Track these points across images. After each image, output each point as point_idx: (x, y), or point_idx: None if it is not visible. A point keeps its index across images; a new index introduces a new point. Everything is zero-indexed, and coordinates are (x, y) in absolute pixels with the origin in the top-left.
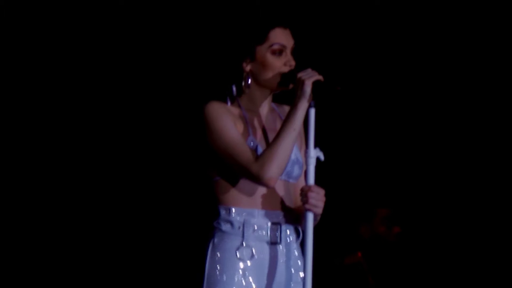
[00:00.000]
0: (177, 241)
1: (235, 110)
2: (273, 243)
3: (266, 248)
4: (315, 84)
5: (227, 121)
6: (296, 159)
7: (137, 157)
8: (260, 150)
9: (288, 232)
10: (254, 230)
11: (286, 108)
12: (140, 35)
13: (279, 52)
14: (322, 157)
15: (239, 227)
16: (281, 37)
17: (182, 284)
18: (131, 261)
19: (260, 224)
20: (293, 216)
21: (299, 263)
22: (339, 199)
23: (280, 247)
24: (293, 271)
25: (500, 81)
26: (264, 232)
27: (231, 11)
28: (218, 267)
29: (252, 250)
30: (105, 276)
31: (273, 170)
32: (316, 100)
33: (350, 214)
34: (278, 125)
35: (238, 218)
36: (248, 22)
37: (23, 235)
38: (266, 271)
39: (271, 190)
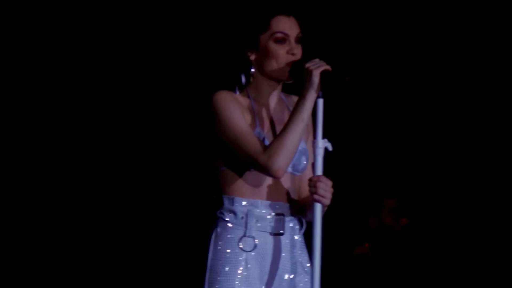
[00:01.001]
0: (180, 232)
1: (243, 100)
2: (276, 234)
3: (269, 239)
4: (323, 74)
5: (235, 111)
6: (303, 150)
7: (141, 148)
8: (267, 142)
9: (292, 224)
10: (257, 220)
11: (295, 99)
12: (145, 26)
13: (281, 40)
14: (330, 148)
15: (242, 217)
16: (283, 25)
17: (185, 275)
18: (135, 253)
19: (263, 214)
20: (297, 208)
21: (303, 254)
22: (347, 190)
23: (284, 238)
24: (296, 262)
25: (502, 73)
26: (267, 223)
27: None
28: (221, 258)
29: (254, 241)
30: (106, 268)
31: (281, 161)
32: (324, 90)
33: (358, 205)
34: (286, 117)
35: (241, 208)
36: (250, 11)
37: (23, 235)
38: (269, 262)
39: (276, 181)
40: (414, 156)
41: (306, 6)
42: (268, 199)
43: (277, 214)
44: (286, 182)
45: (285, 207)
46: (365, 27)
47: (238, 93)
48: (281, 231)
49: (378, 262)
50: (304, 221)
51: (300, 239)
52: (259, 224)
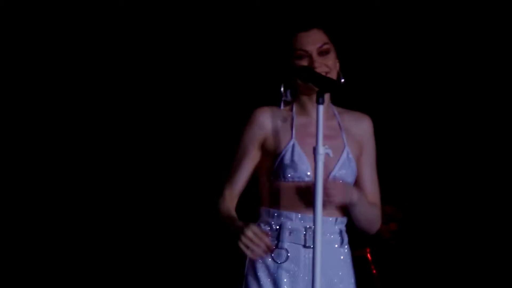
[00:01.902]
0: (181, 233)
1: (286, 114)
2: (307, 246)
3: (301, 252)
4: (321, 79)
5: (249, 133)
6: (347, 161)
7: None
8: (300, 151)
9: (331, 237)
10: (290, 233)
11: (349, 114)
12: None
13: (301, 57)
14: (331, 154)
15: (276, 229)
16: (302, 41)
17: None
18: (135, 254)
19: (296, 227)
20: (333, 221)
21: (339, 270)
22: None
23: (317, 251)
24: (329, 277)
25: (498, 72)
26: (299, 235)
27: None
28: (255, 268)
29: (286, 252)
30: (106, 269)
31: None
32: (322, 95)
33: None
34: (332, 130)
35: (276, 220)
36: (276, 35)
37: (22, 235)
38: (300, 274)
39: (311, 193)
40: (408, 161)
41: (310, 6)
42: (302, 212)
43: (309, 227)
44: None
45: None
46: (365, 27)
47: (282, 107)
48: (311, 244)
49: (376, 267)
50: (344, 235)
51: (338, 253)
52: (291, 237)
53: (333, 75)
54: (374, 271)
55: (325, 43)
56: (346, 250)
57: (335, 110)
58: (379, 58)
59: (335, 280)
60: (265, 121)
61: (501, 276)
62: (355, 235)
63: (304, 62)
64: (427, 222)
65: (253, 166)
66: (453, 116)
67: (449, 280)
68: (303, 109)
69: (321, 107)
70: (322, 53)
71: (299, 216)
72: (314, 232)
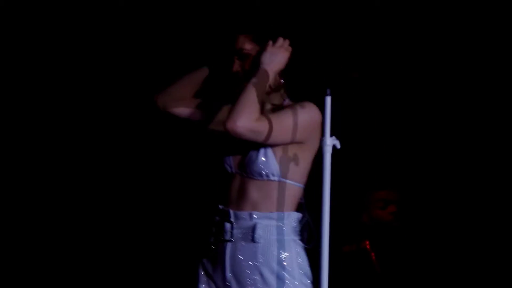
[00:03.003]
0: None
1: None
2: (226, 240)
3: (222, 246)
4: (332, 71)
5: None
6: (259, 157)
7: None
8: None
9: (244, 232)
10: (214, 227)
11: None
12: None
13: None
14: (338, 146)
15: (211, 225)
16: (235, 43)
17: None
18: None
19: (218, 221)
20: (247, 216)
21: (252, 264)
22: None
23: (232, 245)
24: (240, 270)
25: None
26: (221, 230)
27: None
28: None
29: (211, 247)
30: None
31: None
32: (333, 87)
33: (350, 204)
34: None
35: (212, 215)
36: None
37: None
38: (220, 268)
39: (229, 187)
40: (404, 148)
41: (308, 5)
42: (224, 205)
43: (227, 221)
44: (236, 187)
45: (233, 213)
46: (366, 26)
47: None
48: (228, 238)
49: (377, 259)
50: (259, 229)
51: (253, 249)
52: (216, 231)
53: (241, 76)
54: (376, 263)
55: (244, 49)
56: (261, 244)
57: (287, 102)
58: (379, 58)
59: (247, 272)
60: None
61: (501, 254)
62: (355, 229)
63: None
64: (425, 201)
65: None
66: (447, 106)
67: (450, 263)
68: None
69: (328, 98)
70: (242, 56)
71: (224, 210)
72: (321, 231)
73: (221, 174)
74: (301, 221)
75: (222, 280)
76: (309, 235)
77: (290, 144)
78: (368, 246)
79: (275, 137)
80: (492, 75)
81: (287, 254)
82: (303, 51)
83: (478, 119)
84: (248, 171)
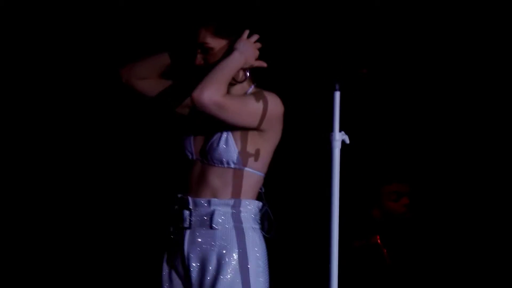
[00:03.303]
0: None
1: None
2: (184, 228)
3: (181, 234)
4: (340, 66)
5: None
6: (220, 144)
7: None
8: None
9: (205, 218)
10: (174, 216)
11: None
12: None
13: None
14: (347, 141)
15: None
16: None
17: None
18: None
19: (175, 210)
20: (206, 203)
21: (212, 250)
22: (350, 184)
23: (191, 232)
24: (202, 257)
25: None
26: (179, 218)
27: None
28: None
29: (171, 236)
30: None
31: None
32: (341, 83)
33: (359, 199)
34: None
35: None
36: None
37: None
38: (179, 255)
39: (189, 175)
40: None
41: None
42: (183, 193)
43: (186, 209)
44: (196, 174)
45: (191, 201)
46: (374, 21)
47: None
48: (187, 225)
49: (388, 253)
50: (217, 215)
51: (212, 236)
52: (173, 220)
53: (207, 70)
54: (387, 257)
55: (206, 43)
56: (219, 231)
57: (252, 90)
58: (379, 58)
59: (206, 258)
60: None
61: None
62: (364, 225)
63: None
64: (436, 192)
65: None
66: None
67: (462, 255)
68: None
69: (337, 94)
70: (204, 50)
71: (180, 198)
72: (330, 226)
73: (182, 162)
74: (261, 210)
75: (183, 267)
76: (269, 224)
77: (251, 131)
78: (379, 241)
79: (238, 118)
80: (502, 66)
81: (244, 241)
82: (311, 47)
83: (487, 108)
84: (208, 158)
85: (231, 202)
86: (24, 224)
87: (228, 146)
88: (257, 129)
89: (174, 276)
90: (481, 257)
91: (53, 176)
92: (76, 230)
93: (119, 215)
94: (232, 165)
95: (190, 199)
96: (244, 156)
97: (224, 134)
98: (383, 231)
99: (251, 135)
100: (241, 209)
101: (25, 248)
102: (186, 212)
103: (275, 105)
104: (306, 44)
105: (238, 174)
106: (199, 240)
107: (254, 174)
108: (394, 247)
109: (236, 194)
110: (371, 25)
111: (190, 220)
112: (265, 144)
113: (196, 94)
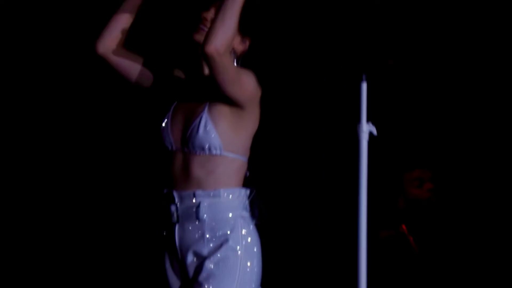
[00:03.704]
0: None
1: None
2: (173, 223)
3: (171, 229)
4: (367, 57)
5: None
6: (200, 130)
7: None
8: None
9: (190, 211)
10: (163, 212)
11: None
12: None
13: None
14: (375, 132)
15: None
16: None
17: None
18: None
19: (164, 205)
20: (191, 195)
21: (201, 243)
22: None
23: (179, 226)
24: (191, 250)
25: None
26: (167, 214)
27: None
28: None
29: (163, 234)
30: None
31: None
32: (368, 74)
33: (384, 189)
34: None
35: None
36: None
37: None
38: (173, 251)
39: (171, 167)
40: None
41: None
42: (168, 188)
43: (170, 204)
44: (179, 165)
45: (177, 195)
46: (365, 26)
47: None
48: (175, 221)
49: (414, 241)
50: (203, 207)
51: (198, 229)
52: (162, 216)
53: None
54: (414, 246)
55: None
56: (207, 222)
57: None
58: (404, 48)
59: (198, 253)
60: None
61: None
62: (391, 215)
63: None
64: (458, 177)
65: None
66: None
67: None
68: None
69: (364, 84)
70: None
71: (167, 193)
72: (358, 218)
73: (162, 154)
74: (249, 196)
75: (177, 263)
76: (259, 211)
77: (231, 113)
78: (405, 230)
79: (232, 83)
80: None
81: (234, 230)
82: (339, 37)
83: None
84: (190, 146)
85: (217, 192)
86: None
87: (207, 130)
88: (241, 105)
89: (171, 273)
90: (509, 240)
91: (37, 176)
92: (65, 228)
93: (110, 215)
94: (214, 151)
95: (175, 193)
96: (224, 140)
97: (203, 120)
98: (409, 220)
99: (230, 118)
100: (227, 198)
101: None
102: (173, 207)
103: (257, 85)
104: (332, 35)
105: (220, 161)
106: (189, 233)
107: (236, 159)
108: (421, 234)
109: (221, 182)
110: (397, 15)
111: (178, 215)
112: (245, 127)
113: (209, 42)
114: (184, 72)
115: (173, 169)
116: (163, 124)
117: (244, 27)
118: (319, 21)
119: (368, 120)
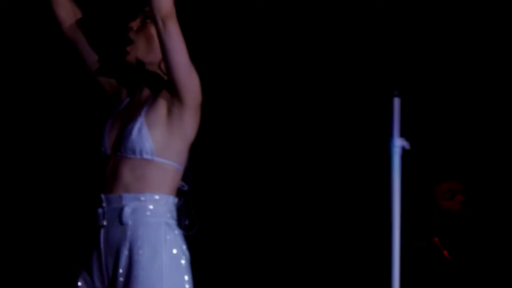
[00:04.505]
0: None
1: None
2: (99, 226)
3: (97, 232)
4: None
5: None
6: (132, 133)
7: None
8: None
9: (116, 213)
10: (90, 215)
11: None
12: None
13: None
14: (407, 146)
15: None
16: None
17: None
18: None
19: (92, 209)
20: (118, 198)
21: (124, 246)
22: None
23: (104, 229)
24: (114, 253)
25: None
26: (94, 217)
27: None
28: None
29: (88, 236)
30: None
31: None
32: (401, 89)
33: (418, 201)
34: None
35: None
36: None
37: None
38: (96, 254)
39: (104, 171)
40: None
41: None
42: (98, 191)
43: (97, 207)
44: (109, 169)
45: (104, 198)
46: (365, 26)
47: None
48: (101, 224)
49: (446, 249)
50: (126, 211)
51: (124, 231)
52: (89, 219)
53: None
54: (446, 255)
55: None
56: (130, 226)
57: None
58: (379, 57)
59: (119, 255)
60: None
61: None
62: (424, 226)
63: None
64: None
65: None
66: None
67: None
68: None
69: (397, 100)
70: (144, 21)
71: (100, 196)
72: (392, 230)
73: (98, 159)
74: (177, 205)
75: (99, 271)
76: (190, 221)
77: (167, 118)
78: (438, 242)
79: (179, 54)
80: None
81: (157, 236)
82: (371, 53)
83: None
84: (122, 149)
85: (142, 196)
86: None
87: (141, 134)
88: (182, 99)
89: (87, 278)
90: None
91: None
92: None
93: (42, 216)
94: (145, 156)
95: (103, 196)
96: (157, 145)
97: (138, 124)
98: (441, 231)
99: (166, 124)
100: (153, 203)
101: None
102: (100, 210)
103: (200, 89)
104: (365, 50)
105: (151, 166)
106: (113, 237)
107: (168, 166)
108: (454, 245)
109: (149, 187)
110: (353, 37)
111: (103, 218)
112: (180, 135)
113: (160, 10)
114: (125, 81)
115: (105, 172)
116: (104, 129)
117: None
118: (353, 36)
119: (400, 134)
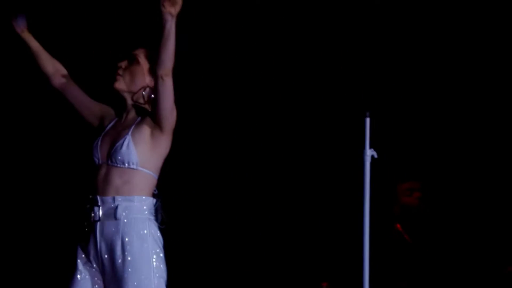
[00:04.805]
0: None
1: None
2: (95, 221)
3: (93, 226)
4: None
5: None
6: (123, 147)
7: None
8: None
9: (109, 212)
10: (87, 213)
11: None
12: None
13: None
14: (375, 155)
15: (84, 212)
16: None
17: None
18: None
19: (88, 208)
20: (111, 200)
21: (117, 239)
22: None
23: (100, 224)
24: (109, 245)
25: None
26: (91, 214)
27: None
28: None
29: (85, 230)
30: None
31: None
32: (371, 111)
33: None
34: (126, 128)
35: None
36: None
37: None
38: (93, 245)
39: (96, 177)
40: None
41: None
42: (93, 194)
43: (93, 206)
44: (102, 176)
45: (100, 199)
46: (365, 26)
47: None
48: (97, 219)
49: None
50: (120, 208)
51: (116, 225)
52: (86, 216)
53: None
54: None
55: (137, 55)
56: (122, 221)
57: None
58: (379, 57)
59: (114, 245)
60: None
61: None
62: (387, 218)
63: None
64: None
65: None
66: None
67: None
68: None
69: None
70: (131, 60)
71: (91, 198)
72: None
73: (90, 167)
74: (154, 205)
75: (95, 255)
76: (162, 218)
77: (150, 136)
78: (400, 228)
79: (167, 102)
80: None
81: (144, 229)
82: (345, 77)
83: (488, 111)
84: (113, 160)
85: (131, 198)
86: None
87: (129, 149)
88: (162, 130)
89: (89, 266)
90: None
91: None
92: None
93: (35, 217)
94: (132, 166)
95: (98, 198)
96: (141, 158)
97: (126, 140)
98: (403, 221)
99: (148, 142)
100: (139, 203)
101: None
102: (96, 209)
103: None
104: (339, 76)
105: (136, 174)
106: (107, 230)
107: (148, 175)
108: (413, 231)
109: (134, 191)
110: (353, 37)
111: (99, 214)
112: (159, 150)
113: (162, 69)
114: (115, 110)
115: (97, 179)
116: (94, 144)
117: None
118: (328, 62)
119: (370, 146)
